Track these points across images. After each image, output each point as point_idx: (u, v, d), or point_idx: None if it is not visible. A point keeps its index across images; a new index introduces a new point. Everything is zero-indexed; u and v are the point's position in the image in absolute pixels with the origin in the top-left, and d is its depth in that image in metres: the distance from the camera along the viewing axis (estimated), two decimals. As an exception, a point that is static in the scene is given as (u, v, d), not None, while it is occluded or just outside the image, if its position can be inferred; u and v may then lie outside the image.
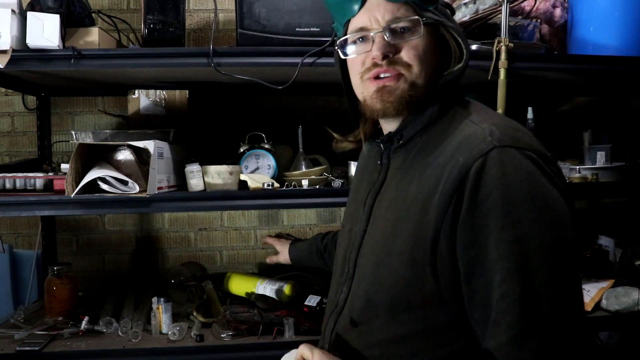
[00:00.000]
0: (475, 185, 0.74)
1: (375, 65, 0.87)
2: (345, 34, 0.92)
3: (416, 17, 0.85)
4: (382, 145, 0.96)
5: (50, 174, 1.55)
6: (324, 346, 0.97)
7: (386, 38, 0.85)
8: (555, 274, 0.70)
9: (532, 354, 0.68)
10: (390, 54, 0.85)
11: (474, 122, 0.83)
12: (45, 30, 1.39)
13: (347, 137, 1.08)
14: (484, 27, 1.67)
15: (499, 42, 1.52)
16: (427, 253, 0.78)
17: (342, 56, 0.93)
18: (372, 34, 0.86)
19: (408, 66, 0.86)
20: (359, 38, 0.89)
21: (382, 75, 0.87)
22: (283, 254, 1.64)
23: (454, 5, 1.69)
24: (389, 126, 0.96)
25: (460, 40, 0.89)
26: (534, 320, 0.69)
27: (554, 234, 0.72)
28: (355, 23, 0.89)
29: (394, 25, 0.85)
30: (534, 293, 0.68)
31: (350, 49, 0.91)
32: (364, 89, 0.91)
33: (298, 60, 1.47)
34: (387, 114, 0.89)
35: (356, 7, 0.87)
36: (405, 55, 0.86)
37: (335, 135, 1.10)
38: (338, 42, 0.93)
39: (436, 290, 0.78)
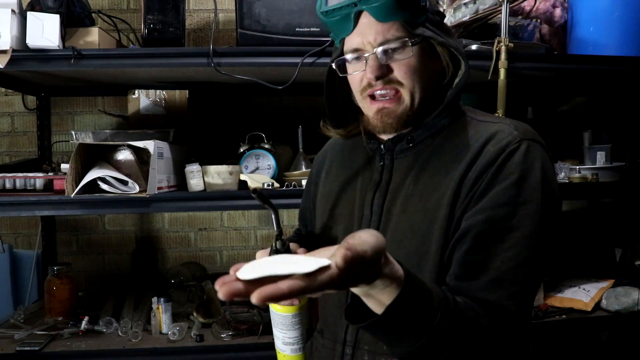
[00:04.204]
0: (500, 166, 0.85)
1: (370, 85, 0.92)
2: (342, 49, 0.96)
3: (405, 38, 0.89)
4: (382, 146, 0.98)
5: (50, 174, 1.55)
6: (336, 348, 0.96)
7: (378, 59, 0.90)
8: (543, 247, 0.84)
9: (519, 307, 0.82)
10: (383, 75, 0.90)
11: (493, 122, 0.92)
12: (45, 30, 1.39)
13: (343, 130, 1.06)
14: (484, 27, 1.67)
15: (499, 42, 1.52)
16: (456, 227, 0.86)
17: (340, 74, 0.97)
18: (365, 55, 0.91)
19: (401, 84, 0.91)
20: (354, 58, 0.93)
21: (378, 93, 0.92)
22: None
23: (454, 5, 1.69)
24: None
25: (454, 50, 0.92)
26: (529, 282, 0.83)
27: (553, 215, 0.85)
28: (349, 43, 0.93)
29: (384, 47, 0.89)
30: (531, 261, 0.82)
31: (348, 65, 0.96)
32: (365, 105, 0.96)
33: (298, 60, 1.48)
34: (387, 132, 0.95)
35: (349, 27, 0.92)
36: (398, 73, 0.90)
37: (328, 126, 1.06)
38: (335, 59, 0.97)
39: None
